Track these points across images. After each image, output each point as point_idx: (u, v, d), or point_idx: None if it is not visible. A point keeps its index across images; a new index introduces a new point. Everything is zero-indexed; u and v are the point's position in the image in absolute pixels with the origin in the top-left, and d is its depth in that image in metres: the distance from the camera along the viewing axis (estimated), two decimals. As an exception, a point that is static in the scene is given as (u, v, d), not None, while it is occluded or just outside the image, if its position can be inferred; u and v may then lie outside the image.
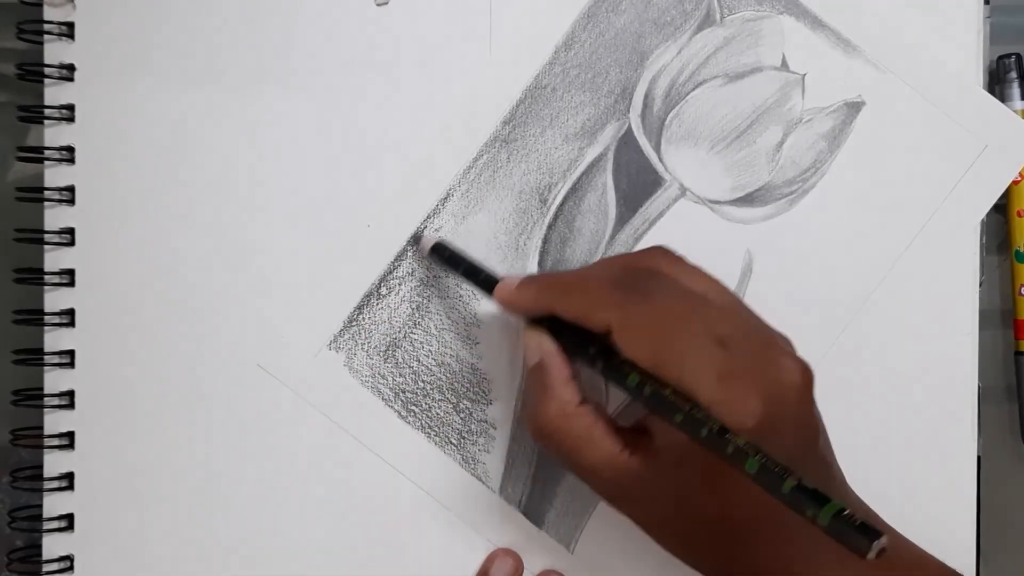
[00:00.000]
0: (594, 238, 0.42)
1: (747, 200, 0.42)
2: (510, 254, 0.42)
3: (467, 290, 0.42)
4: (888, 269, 0.42)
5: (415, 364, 0.42)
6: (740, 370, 0.31)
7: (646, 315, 0.33)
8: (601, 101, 0.42)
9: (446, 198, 0.42)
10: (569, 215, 0.42)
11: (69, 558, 0.41)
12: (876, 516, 0.35)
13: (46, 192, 0.41)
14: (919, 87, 0.42)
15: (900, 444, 0.42)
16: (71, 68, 0.41)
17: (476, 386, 0.42)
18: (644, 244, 0.42)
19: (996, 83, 0.44)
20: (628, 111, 0.42)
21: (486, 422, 0.42)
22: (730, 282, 0.41)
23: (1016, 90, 0.43)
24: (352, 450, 0.42)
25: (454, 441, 0.42)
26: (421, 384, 0.42)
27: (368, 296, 0.42)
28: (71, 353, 0.41)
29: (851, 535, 0.25)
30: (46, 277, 0.41)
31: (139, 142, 0.42)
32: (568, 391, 0.34)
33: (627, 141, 0.42)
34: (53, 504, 0.41)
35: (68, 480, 0.41)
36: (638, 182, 0.42)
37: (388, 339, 0.42)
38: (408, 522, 0.42)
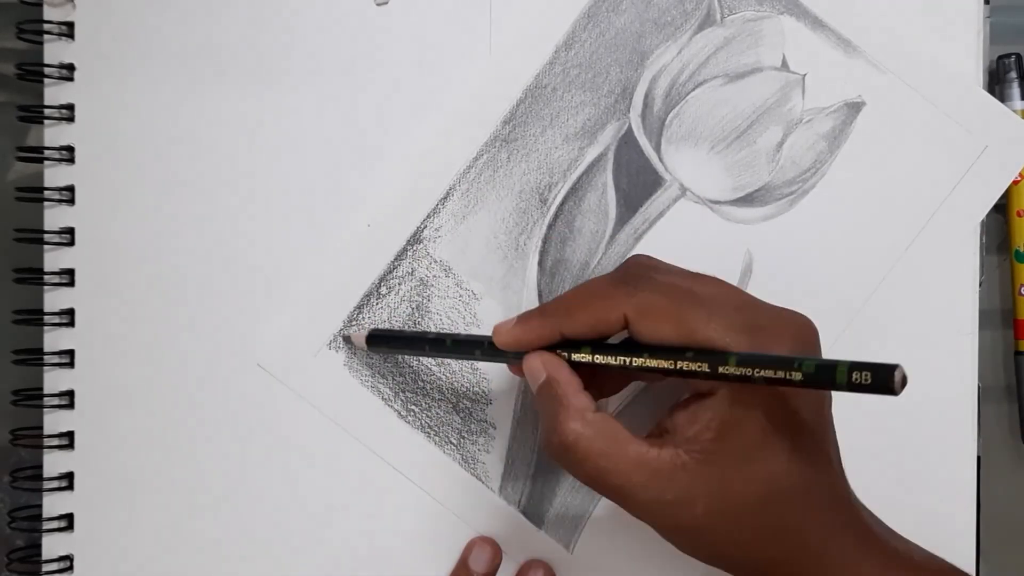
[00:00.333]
0: (594, 238, 0.42)
1: (747, 200, 0.42)
2: (510, 254, 0.42)
3: (467, 290, 0.42)
4: (888, 269, 0.42)
5: (415, 363, 0.42)
6: (763, 325, 0.32)
7: (659, 297, 0.33)
8: (601, 101, 0.42)
9: (446, 197, 0.42)
10: (569, 215, 0.42)
11: (69, 558, 0.41)
12: (874, 516, 0.35)
13: (46, 192, 0.41)
14: (919, 87, 0.42)
15: (900, 444, 0.42)
16: (71, 68, 0.41)
17: (476, 385, 0.42)
18: (644, 244, 0.42)
19: (996, 83, 0.44)
20: (628, 111, 0.42)
21: (486, 422, 0.42)
22: (731, 282, 0.41)
23: (1016, 90, 0.43)
24: (352, 449, 0.42)
25: (454, 441, 0.42)
26: (421, 383, 0.42)
27: (368, 296, 0.42)
28: (71, 353, 0.41)
29: (874, 385, 0.27)
30: (46, 277, 0.41)
31: (139, 142, 0.42)
32: (583, 399, 0.33)
33: (627, 141, 0.42)
34: (53, 504, 0.41)
35: (68, 480, 0.41)
36: (638, 182, 0.42)
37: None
38: (407, 521, 0.42)
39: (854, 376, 0.27)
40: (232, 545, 0.42)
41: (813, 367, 0.28)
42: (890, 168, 0.42)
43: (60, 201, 0.41)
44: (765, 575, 0.33)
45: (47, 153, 0.41)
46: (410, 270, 0.42)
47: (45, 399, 0.41)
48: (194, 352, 0.42)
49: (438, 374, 0.42)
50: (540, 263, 0.42)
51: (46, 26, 0.41)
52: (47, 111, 0.41)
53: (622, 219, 0.42)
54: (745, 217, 0.42)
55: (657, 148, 0.42)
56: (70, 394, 0.41)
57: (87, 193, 0.42)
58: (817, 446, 0.33)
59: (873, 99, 0.42)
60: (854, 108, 0.42)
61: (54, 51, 0.42)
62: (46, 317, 0.41)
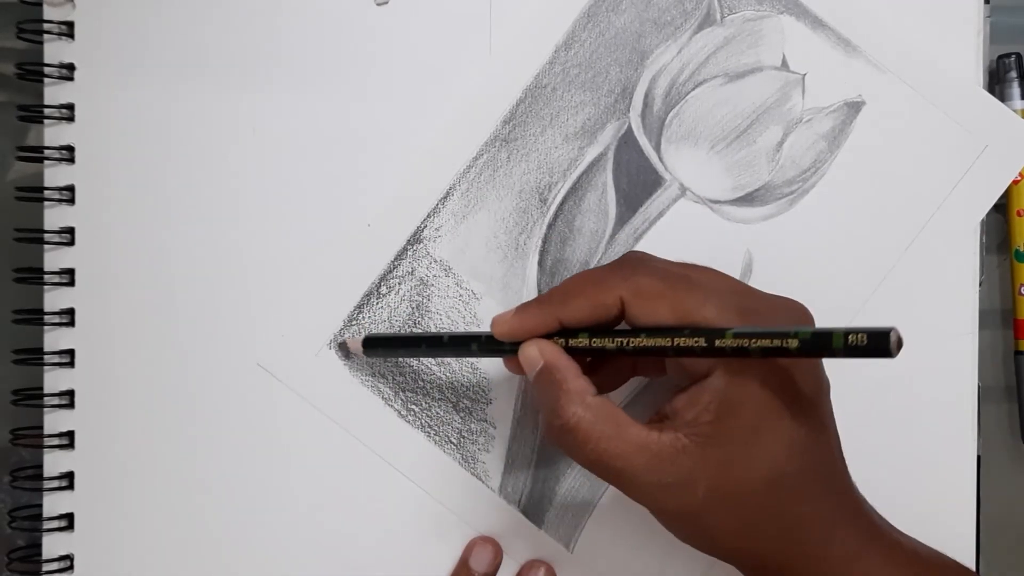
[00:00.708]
0: (594, 237, 0.42)
1: (747, 200, 0.42)
2: (510, 253, 0.42)
3: (467, 289, 0.42)
4: (889, 269, 0.42)
5: (415, 363, 0.42)
6: (758, 308, 0.32)
7: (654, 280, 0.33)
8: (601, 100, 0.42)
9: (446, 197, 0.42)
10: (569, 214, 0.42)
11: (69, 558, 0.41)
12: (875, 511, 0.35)
13: (46, 192, 0.41)
14: (919, 87, 0.42)
15: (900, 444, 0.42)
16: (71, 68, 0.41)
17: (476, 385, 0.42)
18: (644, 243, 0.42)
19: (996, 83, 0.44)
20: (628, 111, 0.42)
21: (486, 421, 0.42)
22: None
23: (1016, 90, 0.43)
24: (352, 449, 0.42)
25: (454, 440, 0.42)
26: (421, 383, 0.42)
27: (368, 295, 0.42)
28: (71, 353, 0.41)
29: (870, 347, 0.28)
30: (46, 277, 0.41)
31: (139, 142, 0.42)
32: (583, 383, 0.33)
33: (627, 141, 0.42)
34: (53, 504, 0.41)
35: (68, 480, 0.41)
36: (638, 182, 0.42)
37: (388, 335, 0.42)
38: (407, 521, 0.42)
39: (850, 339, 0.28)
40: (232, 545, 0.42)
41: (809, 334, 0.29)
42: (890, 168, 0.42)
43: (60, 201, 0.41)
44: (764, 564, 0.33)
45: (47, 153, 0.41)
46: (410, 269, 0.42)
47: (45, 399, 0.41)
48: (194, 352, 0.42)
49: (438, 373, 0.42)
50: (540, 263, 0.42)
51: (46, 26, 0.41)
52: (47, 111, 0.41)
53: (622, 219, 0.42)
54: (745, 217, 0.42)
55: (657, 148, 0.42)
56: (70, 394, 0.41)
57: (87, 193, 0.42)
58: (818, 433, 0.33)
59: (873, 99, 0.42)
60: (854, 108, 0.42)
61: (54, 51, 0.42)
62: (46, 317, 0.41)
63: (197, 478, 0.42)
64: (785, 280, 0.42)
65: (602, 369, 0.37)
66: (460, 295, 0.42)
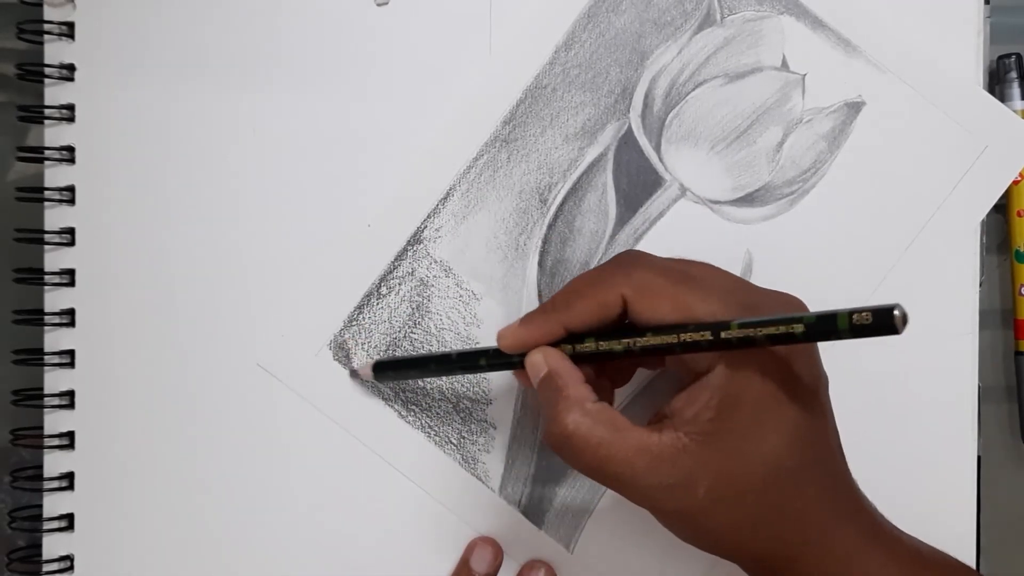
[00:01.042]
0: (594, 238, 0.42)
1: (747, 200, 0.42)
2: (510, 254, 0.42)
3: (467, 290, 0.42)
4: (889, 269, 0.42)
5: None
6: (758, 302, 0.33)
7: (655, 276, 0.33)
8: (601, 101, 0.42)
9: (446, 198, 0.42)
10: (569, 215, 0.42)
11: (69, 558, 0.41)
12: (878, 512, 0.35)
13: (46, 192, 0.41)
14: (919, 87, 0.42)
15: (900, 444, 0.42)
16: (71, 68, 0.41)
17: (476, 385, 0.42)
18: (644, 244, 0.42)
19: (996, 83, 0.44)
20: (628, 111, 0.42)
21: (486, 422, 0.42)
22: None
23: (1016, 90, 0.43)
24: (352, 449, 0.42)
25: (454, 441, 0.42)
26: (421, 384, 0.42)
27: (368, 296, 0.42)
28: (71, 353, 0.41)
29: (875, 325, 0.27)
30: (46, 277, 0.41)
31: (139, 142, 0.42)
32: (583, 390, 0.33)
33: (627, 141, 0.42)
34: (53, 504, 0.41)
35: (68, 480, 0.41)
36: (638, 182, 0.42)
37: (388, 339, 0.42)
38: (407, 521, 0.42)
39: (855, 319, 0.28)
40: (232, 545, 0.42)
41: (814, 318, 0.29)
42: (890, 168, 0.42)
43: (60, 201, 0.41)
44: (766, 562, 0.33)
45: (47, 153, 0.41)
46: (410, 270, 0.42)
47: (45, 399, 0.41)
48: (194, 352, 0.42)
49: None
50: (540, 263, 0.42)
51: (46, 26, 0.41)
52: (47, 111, 0.41)
53: (622, 219, 0.42)
54: (745, 217, 0.42)
55: (657, 148, 0.42)
56: (70, 394, 0.41)
57: (87, 193, 0.41)
58: (818, 426, 0.33)
59: (873, 99, 0.42)
60: (854, 108, 0.42)
61: (54, 51, 0.42)
62: (46, 317, 0.41)
63: (197, 478, 0.42)
64: (785, 280, 0.42)
65: (609, 366, 0.37)
66: (460, 295, 0.42)
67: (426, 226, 0.42)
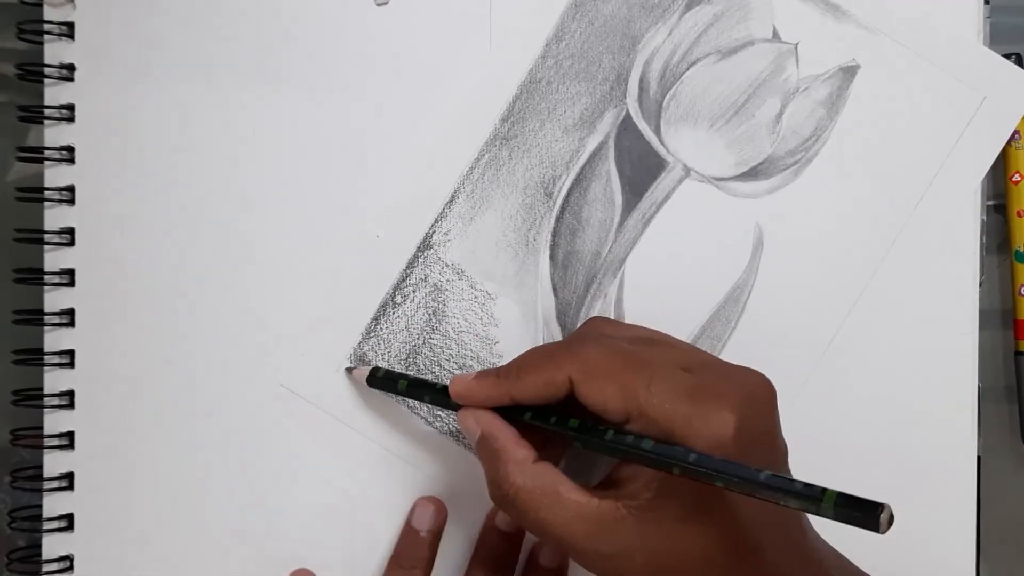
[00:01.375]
0: (603, 226, 0.42)
1: (752, 174, 0.42)
2: (521, 251, 0.42)
3: (481, 291, 0.42)
4: (899, 228, 0.42)
5: (437, 369, 0.42)
6: (708, 387, 0.31)
7: (606, 358, 0.33)
8: (597, 89, 0.42)
9: (451, 201, 0.42)
10: (576, 206, 0.42)
11: (69, 558, 0.41)
12: (841, 556, 0.35)
13: (46, 192, 0.41)
14: (913, 45, 0.42)
15: (900, 444, 0.42)
16: (71, 68, 0.41)
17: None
18: (654, 227, 0.42)
19: (996, 83, 0.44)
20: (625, 97, 0.42)
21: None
22: (743, 258, 0.42)
23: (1016, 90, 0.43)
24: (350, 446, 0.41)
25: None
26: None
27: (384, 306, 0.42)
28: (71, 353, 0.41)
29: (860, 514, 0.26)
30: (46, 277, 0.41)
31: (139, 142, 0.42)
32: (521, 450, 0.34)
33: (626, 127, 0.42)
34: (53, 504, 0.41)
35: (68, 480, 0.41)
36: (641, 167, 0.42)
37: (408, 347, 0.42)
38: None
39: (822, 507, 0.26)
40: (233, 545, 0.42)
41: (768, 475, 0.27)
42: (891, 128, 0.42)
43: (60, 201, 0.41)
44: None
45: (47, 153, 0.41)
46: (423, 276, 0.42)
47: (45, 399, 0.41)
48: (194, 352, 0.42)
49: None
50: (552, 257, 0.42)
51: (46, 26, 0.41)
52: (47, 111, 0.41)
53: (629, 205, 0.42)
54: (751, 191, 0.42)
55: (657, 131, 0.42)
56: (70, 394, 0.41)
57: (87, 193, 0.41)
58: (765, 515, 0.31)
59: (867, 61, 0.42)
60: (849, 72, 0.42)
61: (54, 51, 0.41)
62: (46, 317, 0.41)
63: (197, 478, 0.42)
64: (797, 251, 0.42)
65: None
66: (475, 297, 0.42)
67: (434, 231, 0.42)
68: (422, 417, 0.42)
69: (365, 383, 0.40)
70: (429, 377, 0.42)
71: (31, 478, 0.41)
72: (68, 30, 0.41)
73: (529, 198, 0.42)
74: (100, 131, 0.41)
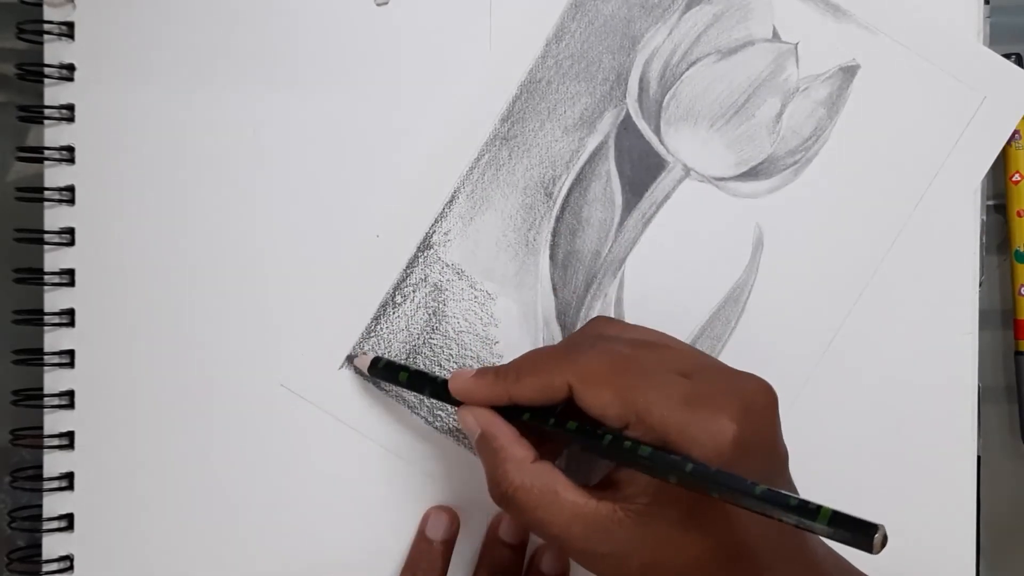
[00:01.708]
0: (603, 226, 0.42)
1: (752, 174, 0.42)
2: (520, 251, 0.42)
3: (481, 291, 0.42)
4: (899, 228, 0.42)
5: (437, 369, 0.42)
6: (706, 394, 0.31)
7: (604, 364, 0.33)
8: (597, 89, 0.42)
9: (451, 201, 0.42)
10: (576, 206, 0.42)
11: (69, 558, 0.41)
12: (839, 557, 0.35)
13: (46, 192, 0.41)
14: (913, 45, 0.42)
15: (900, 444, 0.42)
16: (71, 68, 0.41)
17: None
18: (654, 227, 0.42)
19: (996, 83, 0.44)
20: (625, 97, 0.42)
21: (515, 422, 0.42)
22: (743, 258, 0.42)
23: (1016, 90, 0.43)
24: (347, 443, 0.41)
25: None
26: (446, 388, 0.42)
27: (384, 306, 0.42)
28: (71, 353, 0.41)
29: (854, 534, 0.26)
30: (46, 277, 0.41)
31: (139, 142, 0.42)
32: (520, 449, 0.34)
33: (626, 127, 0.42)
34: (53, 504, 0.41)
35: (68, 480, 0.41)
36: (641, 166, 0.42)
37: (408, 347, 0.42)
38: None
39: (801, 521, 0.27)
40: (234, 546, 0.42)
41: (763, 490, 0.27)
42: (891, 127, 0.42)
43: (60, 201, 0.41)
44: None
45: (47, 153, 0.41)
46: (423, 276, 0.42)
47: (45, 399, 0.41)
48: (194, 352, 0.42)
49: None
50: (551, 256, 0.42)
51: (46, 26, 0.41)
52: (47, 111, 0.41)
53: (629, 205, 0.42)
54: (751, 191, 0.42)
55: (657, 131, 0.42)
56: (70, 394, 0.41)
57: (87, 193, 0.41)
58: (762, 520, 0.31)
59: (867, 61, 0.42)
60: (849, 72, 0.42)
61: (54, 51, 0.41)
62: (46, 317, 0.41)
63: (197, 478, 0.42)
64: (798, 251, 0.42)
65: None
66: (475, 296, 0.42)
67: (434, 231, 0.42)
68: (422, 416, 0.42)
69: (366, 371, 0.40)
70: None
71: (31, 478, 0.41)
72: (68, 30, 0.41)
73: (529, 198, 0.42)
74: (100, 131, 0.42)
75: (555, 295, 0.42)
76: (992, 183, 0.44)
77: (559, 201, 0.42)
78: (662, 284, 0.42)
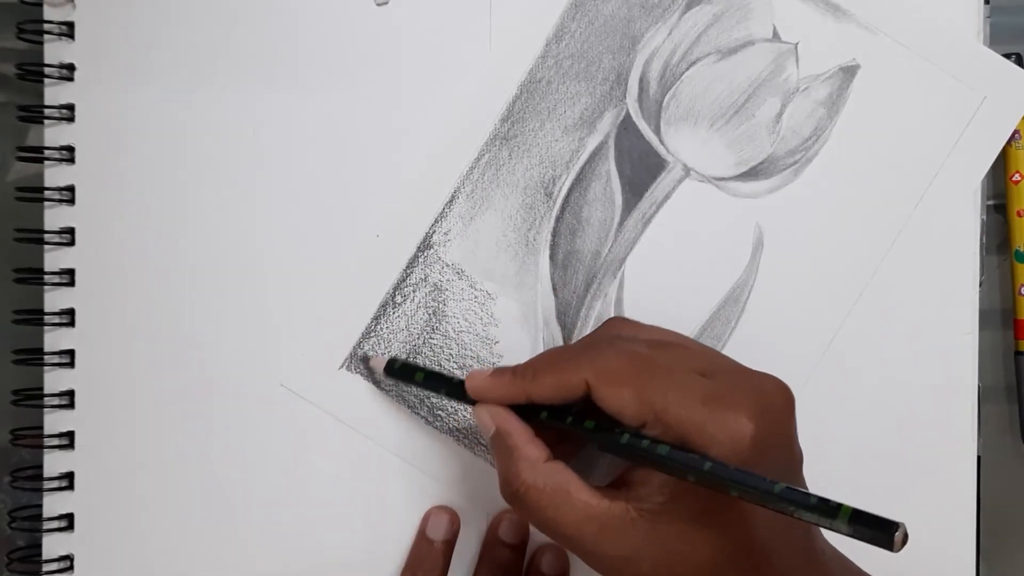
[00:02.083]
0: (603, 226, 0.42)
1: (752, 174, 0.42)
2: (520, 251, 0.42)
3: (481, 290, 0.42)
4: (899, 228, 0.42)
5: (437, 369, 0.42)
6: (724, 393, 0.31)
7: (622, 363, 0.33)
8: (597, 89, 0.42)
9: (451, 201, 0.42)
10: (576, 206, 0.42)
11: (69, 558, 0.41)
12: (845, 559, 0.35)
13: (46, 192, 0.41)
14: (913, 45, 0.42)
15: (900, 444, 0.42)
16: (71, 68, 0.41)
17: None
18: (654, 227, 0.42)
19: (996, 83, 0.44)
20: (625, 97, 0.42)
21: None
22: (743, 258, 0.42)
23: (1016, 90, 0.43)
24: (362, 449, 0.41)
25: (483, 442, 0.42)
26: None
27: (384, 305, 0.42)
28: (71, 353, 0.41)
29: (874, 532, 0.26)
30: (46, 277, 0.41)
31: (139, 142, 0.42)
32: (534, 448, 0.34)
33: (626, 127, 0.42)
34: (53, 504, 0.41)
35: (68, 480, 0.41)
36: (641, 166, 0.42)
37: (408, 347, 0.42)
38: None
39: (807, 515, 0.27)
40: (234, 546, 0.42)
41: (782, 488, 0.27)
42: (891, 127, 0.42)
43: (60, 201, 0.41)
44: None
45: (47, 153, 0.41)
46: (423, 276, 0.42)
47: (45, 399, 0.41)
48: (194, 352, 0.42)
49: (461, 377, 0.42)
50: (551, 256, 0.42)
51: (46, 26, 0.41)
52: (47, 111, 0.41)
53: (629, 205, 0.42)
54: (751, 191, 0.42)
55: (657, 131, 0.42)
56: (70, 394, 0.41)
57: (87, 193, 0.41)
58: (775, 521, 0.31)
59: (867, 61, 0.42)
60: (849, 72, 0.42)
61: (54, 51, 0.41)
62: (46, 317, 0.41)
63: (197, 478, 0.42)
64: (797, 251, 0.42)
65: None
66: (475, 296, 0.42)
67: (434, 231, 0.42)
68: (422, 416, 0.42)
69: (382, 372, 0.40)
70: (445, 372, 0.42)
71: (31, 478, 0.41)
72: (68, 30, 0.41)
73: (529, 198, 0.42)
74: (100, 131, 0.42)
75: (555, 295, 0.42)
76: (992, 183, 0.44)
77: (559, 201, 0.42)
78: (662, 284, 0.42)
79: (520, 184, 0.42)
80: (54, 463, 0.41)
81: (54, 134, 0.41)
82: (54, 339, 0.41)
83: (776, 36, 0.42)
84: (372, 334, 0.42)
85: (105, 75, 0.42)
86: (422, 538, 0.41)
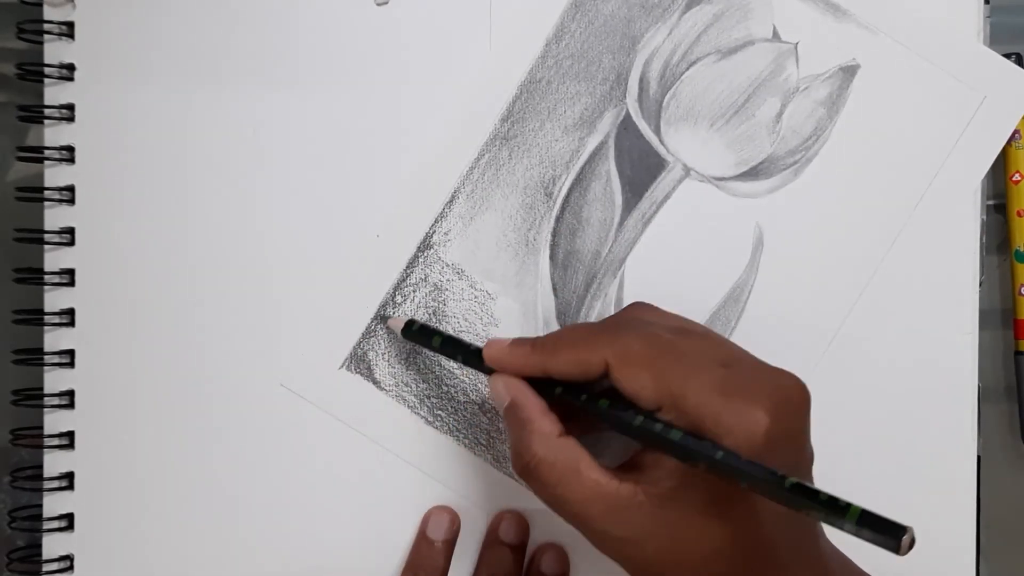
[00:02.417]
0: (603, 226, 0.42)
1: (752, 174, 0.42)
2: (520, 250, 0.42)
3: (481, 290, 0.42)
4: (899, 228, 0.42)
5: (437, 369, 0.42)
6: (742, 385, 0.31)
7: (643, 346, 0.33)
8: (596, 89, 0.42)
9: (451, 201, 0.42)
10: (576, 206, 0.42)
11: (69, 558, 0.41)
12: (846, 559, 0.35)
13: (46, 192, 0.41)
14: (913, 45, 0.42)
15: (900, 444, 0.42)
16: (71, 68, 0.41)
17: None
18: (654, 227, 0.42)
19: (996, 83, 0.44)
20: (625, 96, 0.42)
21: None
22: (742, 257, 0.42)
23: (1016, 90, 0.43)
24: (363, 449, 0.41)
25: (483, 441, 0.42)
26: (445, 388, 0.42)
27: (384, 306, 0.42)
28: (71, 353, 0.41)
29: (881, 535, 0.25)
30: (46, 277, 0.41)
31: (139, 142, 0.42)
32: (547, 422, 0.33)
33: (626, 127, 0.42)
34: (53, 504, 0.41)
35: (68, 480, 0.41)
36: (641, 166, 0.42)
37: (408, 346, 0.42)
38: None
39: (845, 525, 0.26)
40: (234, 546, 0.42)
41: (792, 483, 0.27)
42: (891, 127, 0.42)
43: (60, 201, 0.41)
44: None
45: (47, 153, 0.41)
46: (423, 276, 0.42)
47: (45, 399, 0.41)
48: (194, 352, 0.42)
49: (461, 377, 0.42)
50: (551, 256, 0.42)
51: (46, 26, 0.41)
52: (47, 111, 0.41)
53: (629, 205, 0.42)
54: (751, 191, 0.42)
55: (657, 131, 0.42)
56: (70, 394, 0.41)
57: (87, 193, 0.41)
58: (782, 516, 0.31)
59: (867, 61, 0.42)
60: (849, 72, 0.42)
61: (54, 51, 0.41)
62: (46, 317, 0.41)
63: (197, 478, 0.42)
64: (797, 251, 0.42)
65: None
66: (475, 296, 0.42)
67: (434, 231, 0.42)
68: (422, 416, 0.42)
69: (400, 333, 0.40)
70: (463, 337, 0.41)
71: (31, 478, 0.41)
72: (68, 30, 0.41)
73: (529, 198, 0.42)
74: (100, 131, 0.42)
75: (555, 295, 0.42)
76: (992, 183, 0.44)
77: (559, 201, 0.42)
78: (662, 284, 0.42)
79: (520, 184, 0.42)
80: (54, 463, 0.41)
81: (54, 134, 0.41)
82: (54, 339, 0.41)
83: (776, 36, 0.42)
84: (372, 334, 0.42)
85: (105, 75, 0.42)
86: (422, 538, 0.41)
